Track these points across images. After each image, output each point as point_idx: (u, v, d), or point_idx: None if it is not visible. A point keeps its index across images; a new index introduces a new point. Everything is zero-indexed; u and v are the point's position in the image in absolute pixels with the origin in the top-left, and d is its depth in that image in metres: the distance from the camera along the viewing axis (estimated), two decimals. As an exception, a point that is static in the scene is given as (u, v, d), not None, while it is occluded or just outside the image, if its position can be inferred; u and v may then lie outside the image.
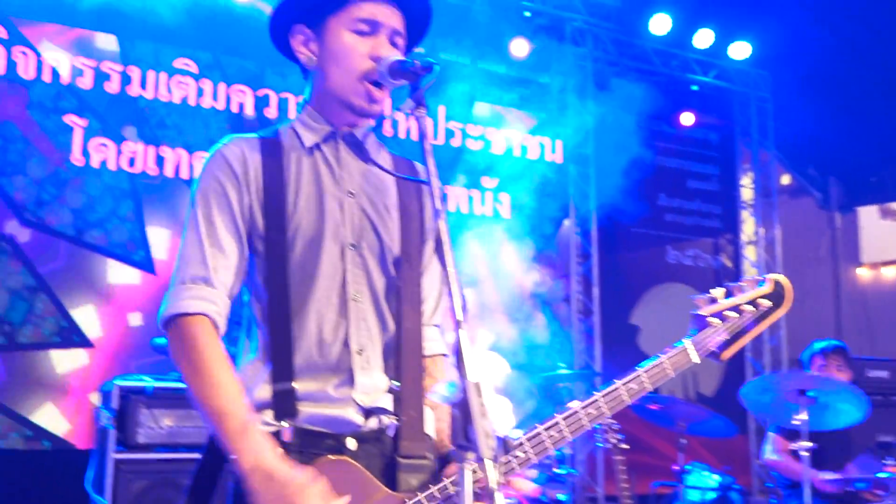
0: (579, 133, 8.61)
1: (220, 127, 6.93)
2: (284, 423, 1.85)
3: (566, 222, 8.54)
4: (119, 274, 6.47)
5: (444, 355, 2.10)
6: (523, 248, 8.18)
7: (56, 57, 6.44)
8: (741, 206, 9.86)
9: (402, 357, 1.96)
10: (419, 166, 2.15)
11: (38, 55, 6.38)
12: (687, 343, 2.12)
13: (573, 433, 1.93)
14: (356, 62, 1.96)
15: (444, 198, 1.74)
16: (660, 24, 8.49)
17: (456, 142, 8.12)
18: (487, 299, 7.85)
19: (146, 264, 6.56)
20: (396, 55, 1.93)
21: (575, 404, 1.95)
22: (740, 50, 8.99)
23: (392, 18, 2.00)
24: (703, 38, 8.77)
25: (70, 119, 6.44)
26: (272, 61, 6.83)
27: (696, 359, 2.12)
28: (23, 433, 5.95)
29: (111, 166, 6.53)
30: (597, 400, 1.98)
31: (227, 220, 1.92)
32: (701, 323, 2.15)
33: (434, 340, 2.09)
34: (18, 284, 6.10)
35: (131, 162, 6.60)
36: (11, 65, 6.29)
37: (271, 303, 1.91)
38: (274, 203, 1.93)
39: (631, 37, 8.73)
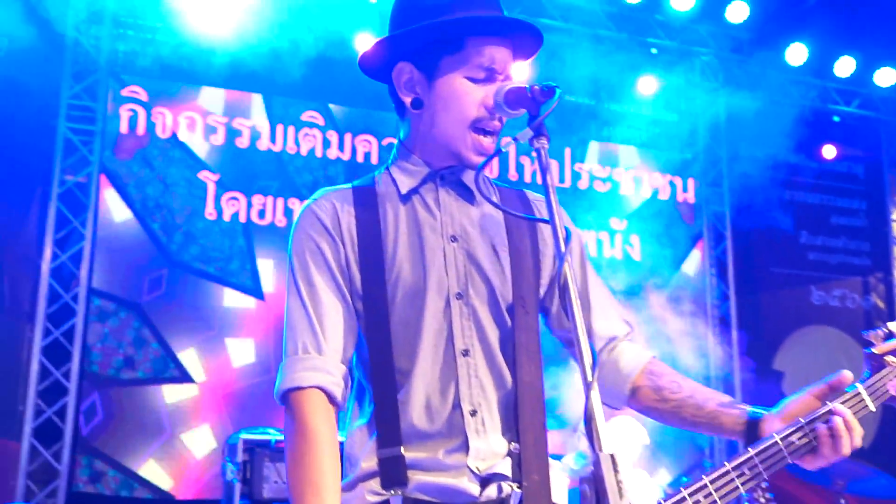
0: (713, 171, 8.28)
1: (348, 177, 7.01)
2: (393, 493, 1.72)
3: (695, 255, 8.18)
4: (233, 299, 6.58)
5: (653, 357, 1.93)
6: (658, 292, 7.90)
7: (190, 115, 6.68)
8: (893, 242, 9.22)
9: (522, 415, 1.77)
10: (532, 196, 2.00)
11: (175, 115, 6.63)
12: (860, 388, 1.79)
13: (723, 499, 1.65)
14: (468, 110, 1.83)
15: (568, 237, 1.58)
16: (796, 53, 8.11)
17: (583, 184, 7.94)
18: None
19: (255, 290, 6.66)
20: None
21: (725, 465, 1.68)
22: (886, 77, 8.47)
23: (508, 61, 1.87)
24: (845, 67, 8.32)
25: (204, 175, 6.65)
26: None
27: (872, 406, 1.79)
28: (129, 484, 6.07)
29: (242, 219, 6.69)
30: (751, 457, 1.68)
31: (328, 280, 1.81)
32: (876, 363, 1.83)
33: (640, 351, 1.94)
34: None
35: (261, 214, 6.75)
36: (151, 125, 6.56)
37: (374, 364, 1.79)
38: (370, 256, 1.81)
39: (765, 68, 8.37)
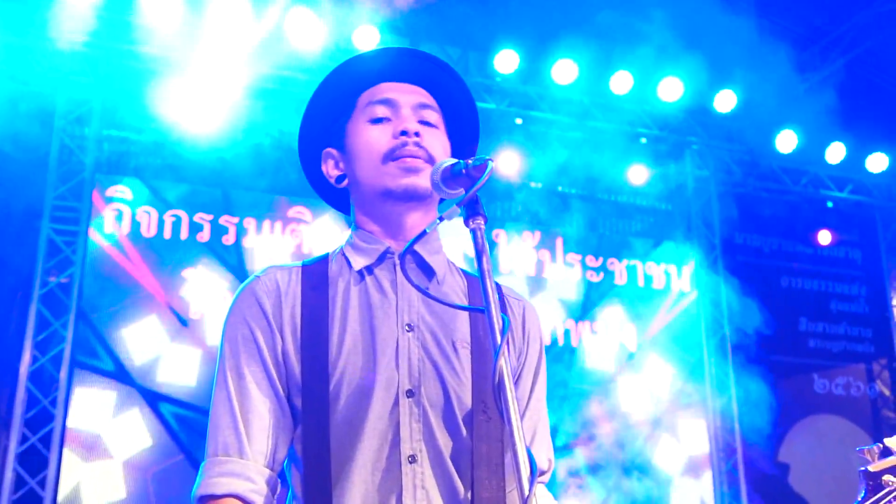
0: (707, 258, 8.19)
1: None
2: None
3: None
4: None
5: None
6: (660, 383, 7.72)
7: (176, 213, 6.64)
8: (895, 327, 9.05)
9: None
10: (507, 290, 1.81)
11: (160, 213, 6.60)
12: None
13: None
14: (377, 146, 1.70)
15: (504, 329, 1.37)
16: (786, 141, 8.10)
17: (575, 274, 7.84)
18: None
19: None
20: (424, 131, 1.70)
21: None
22: (878, 162, 8.44)
23: (412, 93, 1.75)
24: (836, 153, 8.29)
25: (188, 273, 6.58)
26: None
27: None
28: None
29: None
30: None
31: (259, 372, 1.62)
32: (873, 483, 1.61)
33: (539, 498, 1.73)
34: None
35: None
36: (136, 225, 6.52)
37: (307, 468, 1.59)
38: (313, 347, 1.61)
39: (756, 157, 8.35)
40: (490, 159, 1.48)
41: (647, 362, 7.79)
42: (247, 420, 1.60)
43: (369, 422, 1.58)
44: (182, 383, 6.32)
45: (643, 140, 8.02)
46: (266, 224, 6.89)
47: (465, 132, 1.86)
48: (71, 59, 6.36)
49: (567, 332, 7.57)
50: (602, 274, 7.96)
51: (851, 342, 8.88)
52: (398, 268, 1.70)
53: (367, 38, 6.63)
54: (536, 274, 7.64)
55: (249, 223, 6.85)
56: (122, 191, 6.55)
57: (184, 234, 6.64)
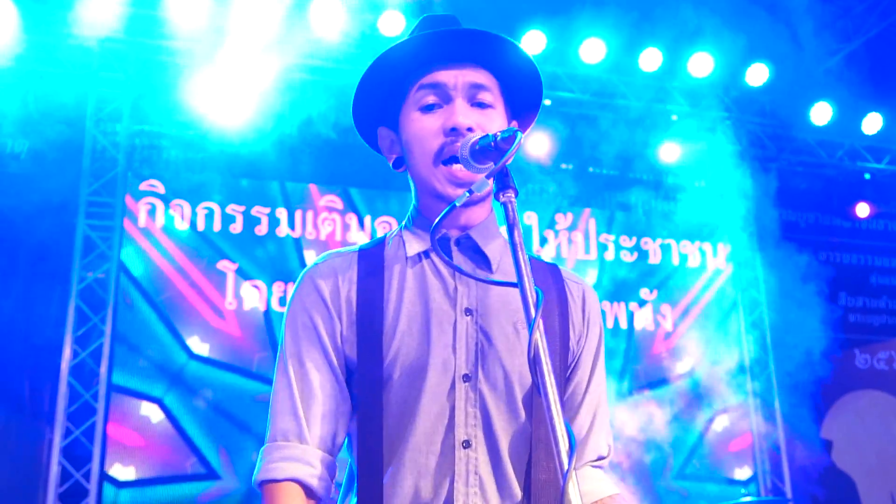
0: (743, 236, 8.09)
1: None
2: None
3: (731, 323, 7.93)
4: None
5: (616, 494, 1.71)
6: (696, 362, 7.66)
7: (209, 205, 6.69)
8: (937, 299, 8.89)
9: None
10: (567, 273, 1.78)
11: (193, 206, 6.64)
12: None
13: None
14: (428, 143, 1.66)
15: (538, 302, 1.31)
16: (821, 113, 7.96)
17: (609, 255, 7.79)
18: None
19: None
20: (478, 118, 1.64)
21: None
22: (916, 131, 8.28)
23: (465, 74, 1.68)
24: (872, 124, 8.14)
25: (223, 265, 6.62)
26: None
27: None
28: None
29: (261, 307, 6.62)
30: None
31: (319, 359, 1.63)
32: None
33: (598, 481, 1.71)
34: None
35: (282, 301, 6.68)
36: (169, 218, 6.57)
37: (362, 450, 1.59)
38: (368, 328, 1.61)
39: (790, 130, 8.22)
40: (518, 130, 1.44)
41: (683, 342, 7.72)
42: (307, 405, 1.62)
43: (423, 404, 1.58)
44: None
45: (674, 117, 7.93)
46: (298, 214, 6.91)
47: (528, 100, 1.80)
48: (99, 56, 6.42)
49: (603, 314, 7.51)
50: (636, 254, 7.89)
51: (893, 315, 8.74)
52: (455, 252, 1.69)
53: (393, 23, 6.61)
54: (569, 256, 7.60)
55: (281, 213, 6.87)
56: (154, 185, 6.60)
57: (217, 227, 6.68)
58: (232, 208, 6.76)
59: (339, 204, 7.06)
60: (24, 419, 5.94)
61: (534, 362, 1.26)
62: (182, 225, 6.60)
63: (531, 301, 1.32)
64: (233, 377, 6.40)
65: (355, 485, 1.62)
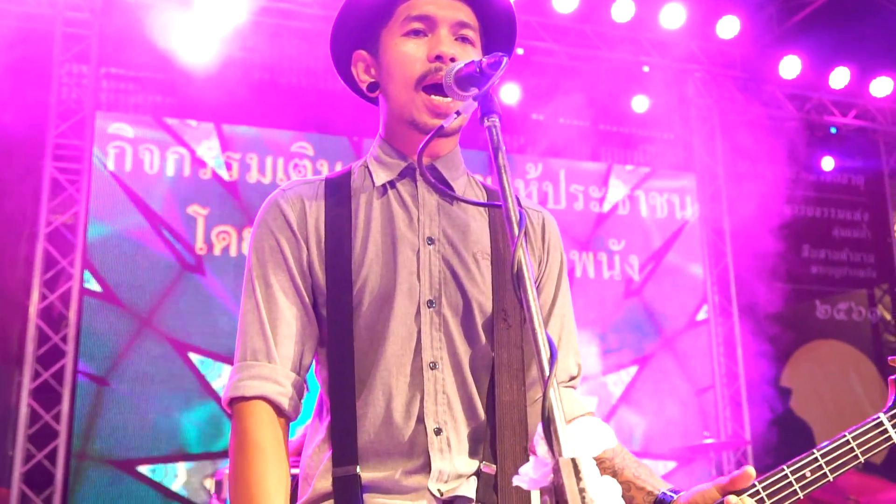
0: (710, 187, 8.19)
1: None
2: None
3: (696, 272, 8.07)
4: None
5: (590, 414, 1.76)
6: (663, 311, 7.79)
7: (178, 150, 6.63)
8: (897, 252, 9.09)
9: (500, 437, 1.62)
10: (527, 202, 1.84)
11: (162, 150, 6.59)
12: (883, 417, 1.66)
13: None
14: (410, 67, 1.67)
15: (521, 221, 1.33)
16: (790, 66, 8.03)
17: (579, 205, 7.86)
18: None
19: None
20: (460, 51, 1.65)
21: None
22: (882, 86, 8.39)
23: (452, 9, 1.70)
24: (839, 78, 8.24)
25: (193, 210, 6.59)
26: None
27: None
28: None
29: (233, 252, 6.62)
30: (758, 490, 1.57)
31: (286, 281, 1.66)
32: None
33: (571, 401, 1.77)
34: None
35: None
36: (138, 163, 6.52)
37: (333, 373, 1.64)
38: (337, 257, 1.65)
39: (759, 83, 8.29)
40: (504, 55, 1.47)
41: (649, 292, 7.84)
42: (274, 327, 1.65)
43: (391, 329, 1.63)
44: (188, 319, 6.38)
45: (646, 69, 7.96)
46: (269, 160, 6.88)
47: (502, 40, 1.83)
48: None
49: (522, 219, 7.57)
50: (605, 204, 7.97)
51: (854, 268, 8.93)
52: (420, 181, 1.72)
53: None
54: (540, 205, 7.65)
55: (251, 159, 6.83)
56: (122, 128, 6.53)
57: (186, 172, 6.64)
58: (202, 153, 6.71)
59: (309, 150, 7.04)
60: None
61: (517, 277, 1.29)
62: (151, 170, 6.54)
63: (514, 219, 1.34)
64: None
65: (325, 409, 1.66)
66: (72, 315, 6.03)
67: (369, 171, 1.75)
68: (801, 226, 8.61)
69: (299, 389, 1.67)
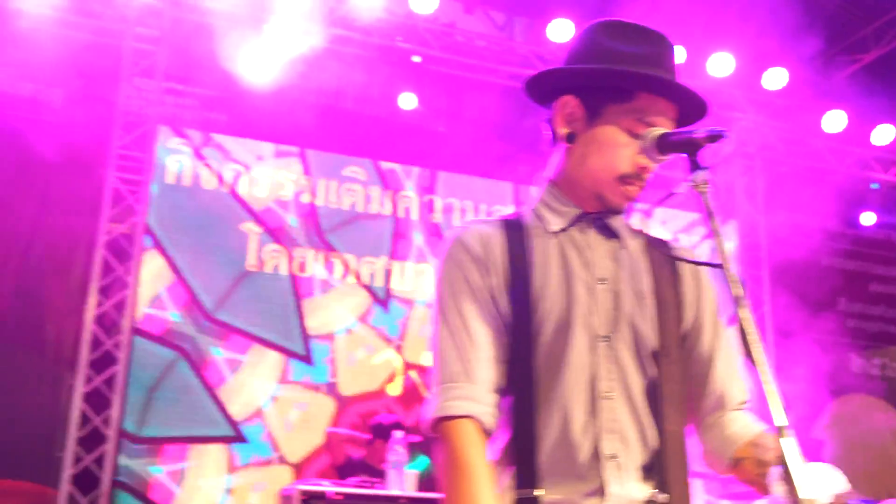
0: (750, 236, 8.25)
1: (388, 232, 7.07)
2: None
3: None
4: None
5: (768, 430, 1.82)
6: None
7: (235, 167, 6.77)
8: (932, 311, 9.11)
9: (668, 465, 1.72)
10: (676, 244, 1.94)
11: (221, 166, 6.72)
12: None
13: None
14: (621, 164, 1.76)
15: (742, 283, 1.63)
16: (835, 120, 8.14)
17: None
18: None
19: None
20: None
21: None
22: (924, 145, 8.48)
23: (669, 121, 1.77)
24: (883, 135, 8.33)
25: (247, 227, 6.71)
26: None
27: None
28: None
29: (283, 271, 6.72)
30: None
31: (477, 309, 1.76)
32: None
33: (749, 421, 1.83)
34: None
35: (302, 267, 6.78)
36: (197, 177, 6.65)
37: (514, 395, 1.73)
38: (520, 285, 1.76)
39: (803, 135, 8.39)
40: (724, 130, 1.57)
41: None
42: (470, 351, 1.73)
43: (569, 358, 1.72)
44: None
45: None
46: (321, 182, 7.01)
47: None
48: (136, 10, 6.47)
49: (743, 281, 7.65)
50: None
51: (888, 324, 8.94)
52: (589, 228, 1.83)
53: (424, 1, 6.71)
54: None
55: (304, 179, 6.96)
56: (182, 143, 6.67)
57: (243, 189, 6.76)
58: (259, 171, 6.84)
59: (361, 175, 7.16)
60: (47, 365, 5.99)
61: (743, 334, 1.47)
62: (209, 185, 6.67)
63: (734, 280, 1.51)
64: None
65: (507, 433, 1.74)
66: (125, 322, 6.11)
67: (541, 216, 1.85)
68: (838, 279, 8.64)
69: (498, 409, 1.74)
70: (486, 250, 1.80)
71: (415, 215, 7.25)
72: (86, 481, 5.77)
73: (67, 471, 5.71)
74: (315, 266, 6.83)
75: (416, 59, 6.97)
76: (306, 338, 6.67)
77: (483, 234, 1.82)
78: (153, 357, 6.25)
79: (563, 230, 1.83)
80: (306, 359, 6.64)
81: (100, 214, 6.25)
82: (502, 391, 1.77)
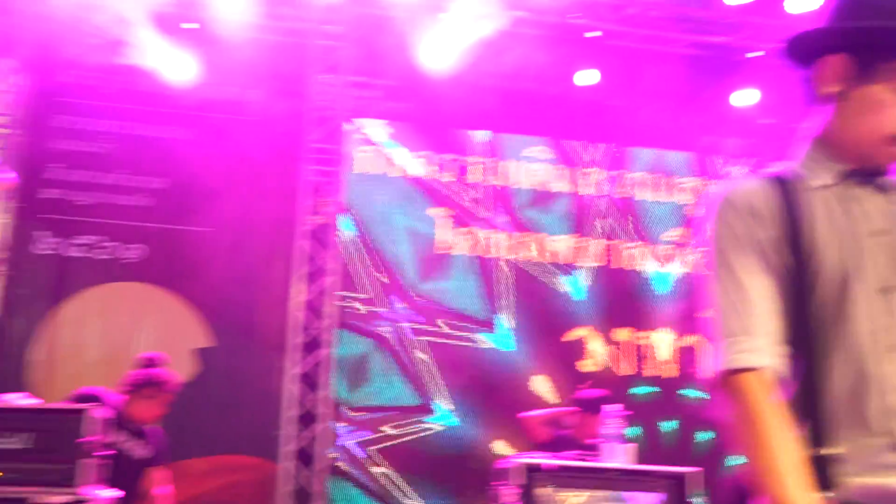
0: None
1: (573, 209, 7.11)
2: (825, 496, 1.65)
3: None
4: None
5: None
6: None
7: (424, 154, 6.99)
8: None
9: None
10: None
11: (409, 154, 6.95)
12: None
13: None
14: (889, 124, 1.75)
15: None
16: None
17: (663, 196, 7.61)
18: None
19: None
20: None
21: None
22: None
23: None
24: None
25: (433, 211, 6.91)
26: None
27: None
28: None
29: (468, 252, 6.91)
30: None
31: (752, 264, 1.77)
32: None
33: None
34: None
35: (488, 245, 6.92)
36: (388, 165, 6.88)
37: (797, 348, 1.73)
38: (794, 238, 1.76)
39: None
40: None
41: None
42: (754, 305, 1.75)
43: (851, 312, 1.71)
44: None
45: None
46: (501, 164, 7.11)
47: None
48: (322, 10, 6.74)
49: None
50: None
51: None
52: (854, 184, 1.81)
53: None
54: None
55: (491, 162, 7.09)
56: (368, 133, 6.93)
57: (430, 174, 6.96)
58: (443, 157, 7.02)
59: (545, 154, 7.22)
60: (256, 347, 6.39)
61: None
62: (398, 172, 6.92)
63: None
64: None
65: (788, 389, 1.74)
66: (329, 308, 6.44)
67: (806, 171, 1.85)
68: None
69: (782, 359, 1.75)
70: (758, 206, 1.80)
71: (599, 190, 7.23)
72: (303, 457, 6.14)
73: (285, 447, 6.09)
74: (503, 247, 6.95)
75: (594, 34, 6.92)
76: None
77: (752, 191, 1.83)
78: (355, 340, 6.55)
79: (831, 186, 1.82)
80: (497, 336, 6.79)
81: (298, 205, 6.58)
82: (787, 343, 1.77)
